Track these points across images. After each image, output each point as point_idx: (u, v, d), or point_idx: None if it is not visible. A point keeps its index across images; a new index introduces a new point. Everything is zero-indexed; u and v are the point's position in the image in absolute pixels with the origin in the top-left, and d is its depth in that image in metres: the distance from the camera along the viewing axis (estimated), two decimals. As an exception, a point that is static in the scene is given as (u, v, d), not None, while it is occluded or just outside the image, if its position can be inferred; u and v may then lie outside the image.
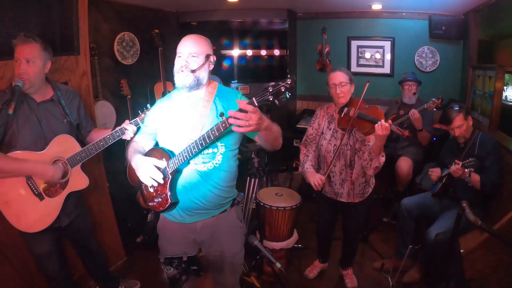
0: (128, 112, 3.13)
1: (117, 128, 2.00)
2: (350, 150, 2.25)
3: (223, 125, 1.38)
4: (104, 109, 2.99)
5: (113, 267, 2.71)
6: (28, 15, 2.19)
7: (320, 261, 2.82)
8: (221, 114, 1.39)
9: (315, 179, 2.23)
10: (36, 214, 1.84)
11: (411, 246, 2.39)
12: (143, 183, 1.63)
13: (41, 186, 1.85)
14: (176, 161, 1.52)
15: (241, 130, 1.31)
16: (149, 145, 1.75)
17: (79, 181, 1.98)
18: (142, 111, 2.07)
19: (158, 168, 1.54)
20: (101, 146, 1.96)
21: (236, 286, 1.85)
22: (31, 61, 1.74)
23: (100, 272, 2.39)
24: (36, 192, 1.84)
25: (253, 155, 3.51)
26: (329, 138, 2.31)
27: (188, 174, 1.57)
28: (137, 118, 2.05)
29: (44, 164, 1.81)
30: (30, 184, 1.83)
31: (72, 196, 2.01)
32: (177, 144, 1.55)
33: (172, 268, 1.27)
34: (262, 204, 2.67)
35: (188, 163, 1.55)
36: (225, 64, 4.58)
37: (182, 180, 1.58)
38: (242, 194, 1.77)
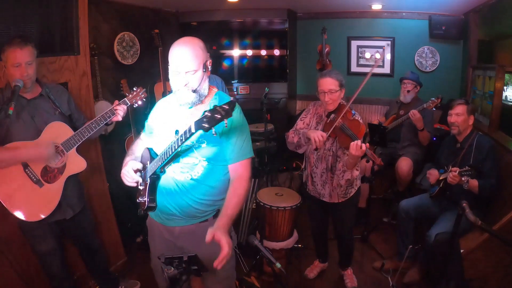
0: (128, 112, 3.13)
1: (107, 110, 2.02)
2: (332, 156, 2.25)
3: (177, 143, 1.31)
4: (104, 109, 2.98)
5: (113, 267, 2.71)
6: (28, 15, 2.19)
7: (320, 261, 2.82)
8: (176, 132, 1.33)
9: (317, 134, 2.08)
10: (37, 202, 1.86)
11: (411, 246, 2.39)
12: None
13: (39, 172, 1.87)
14: (152, 167, 1.51)
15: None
16: (152, 143, 1.71)
17: (76, 164, 1.99)
18: (131, 92, 2.09)
19: (139, 171, 1.56)
20: (93, 128, 1.97)
21: None
22: (30, 63, 1.79)
23: (100, 271, 2.40)
24: (35, 179, 1.86)
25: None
26: None
27: (165, 180, 1.54)
28: (125, 99, 2.07)
29: (36, 148, 1.83)
30: (28, 172, 1.85)
31: (74, 187, 2.04)
32: (164, 147, 1.49)
33: (172, 268, 1.27)
34: (262, 204, 2.67)
35: (162, 170, 1.50)
36: (225, 64, 4.58)
37: (161, 183, 1.56)
38: None
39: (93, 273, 2.41)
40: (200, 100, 1.50)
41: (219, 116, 1.14)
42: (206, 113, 1.15)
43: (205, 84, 1.50)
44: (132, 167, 1.55)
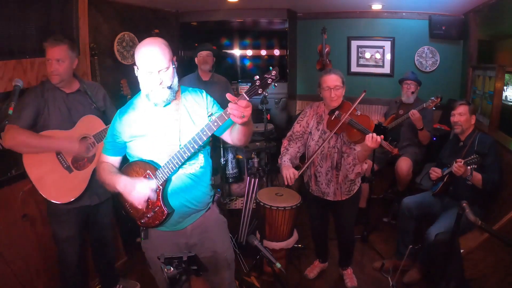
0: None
1: None
2: (337, 153, 2.26)
3: (215, 124, 1.38)
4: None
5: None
6: (28, 16, 2.20)
7: (320, 261, 2.83)
8: (210, 114, 1.40)
9: (289, 172, 2.21)
10: (66, 186, 2.01)
11: (411, 246, 2.39)
12: (126, 203, 1.60)
13: (70, 160, 2.04)
14: (165, 171, 1.47)
15: (239, 121, 1.33)
16: (118, 161, 1.65)
17: None
18: None
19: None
20: None
21: (233, 284, 1.84)
22: (60, 61, 1.94)
23: (106, 265, 2.46)
24: (65, 165, 2.02)
25: (253, 155, 3.51)
26: (317, 139, 2.31)
27: (176, 179, 1.53)
28: None
29: (70, 142, 1.98)
30: (60, 159, 2.01)
31: None
32: (157, 153, 1.50)
33: (172, 268, 1.27)
34: (262, 204, 2.67)
35: (178, 169, 1.50)
36: (225, 64, 4.57)
37: (170, 186, 1.54)
38: (219, 190, 1.80)
39: (99, 267, 2.46)
40: (174, 96, 1.52)
41: (270, 81, 1.25)
42: (256, 81, 1.27)
43: (176, 80, 1.53)
44: (146, 185, 1.46)
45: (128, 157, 1.62)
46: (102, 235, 2.37)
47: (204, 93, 1.63)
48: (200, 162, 1.58)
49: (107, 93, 3.07)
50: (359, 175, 2.24)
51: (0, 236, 2.02)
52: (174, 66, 1.50)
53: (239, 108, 1.29)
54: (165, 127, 1.52)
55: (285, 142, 2.45)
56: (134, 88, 3.27)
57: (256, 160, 3.51)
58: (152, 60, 1.42)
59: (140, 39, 3.83)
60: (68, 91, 2.06)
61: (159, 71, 1.43)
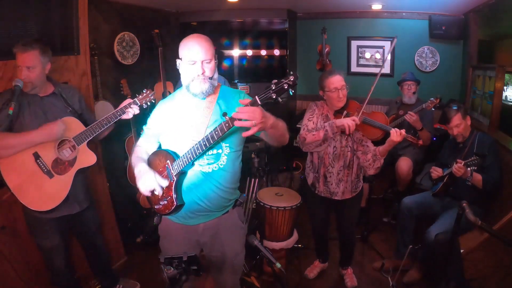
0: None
1: (118, 108, 2.05)
2: (350, 152, 2.28)
3: (227, 125, 1.37)
4: (104, 109, 2.98)
5: (113, 267, 2.71)
6: (28, 16, 2.19)
7: (320, 261, 2.83)
8: (224, 114, 1.38)
9: (347, 121, 2.04)
10: (46, 192, 1.90)
11: (411, 246, 2.39)
12: None
13: (50, 164, 1.92)
14: (180, 163, 1.51)
15: (249, 132, 1.30)
16: (153, 148, 1.72)
17: (86, 157, 2.04)
18: (140, 94, 2.10)
19: (162, 176, 1.53)
20: (104, 125, 1.99)
21: (236, 287, 1.85)
22: (31, 68, 1.83)
23: (102, 268, 2.45)
24: (46, 170, 1.91)
25: (253, 155, 3.51)
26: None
27: (192, 175, 1.57)
28: (136, 99, 2.09)
29: (45, 127, 1.85)
30: (39, 163, 1.90)
31: (82, 183, 2.10)
32: (182, 145, 1.54)
33: (172, 268, 1.27)
34: (262, 204, 2.67)
35: (193, 164, 1.54)
36: (225, 64, 4.57)
37: (186, 181, 1.57)
38: (244, 195, 1.76)
39: (95, 270, 2.45)
40: (213, 90, 1.56)
41: (286, 86, 1.21)
42: (272, 86, 1.22)
43: (216, 75, 1.57)
44: (155, 179, 1.51)
45: (160, 145, 1.69)
46: (91, 243, 2.31)
47: (243, 94, 1.63)
48: (220, 164, 1.57)
49: (106, 94, 3.11)
50: (378, 170, 2.24)
51: (1, 236, 2.03)
52: (216, 61, 1.56)
53: (244, 114, 1.26)
54: (194, 122, 1.55)
55: (305, 133, 2.28)
56: (134, 88, 3.29)
57: (256, 160, 3.51)
58: (197, 50, 1.47)
59: (140, 39, 3.82)
60: (42, 94, 1.96)
61: (202, 61, 1.48)
